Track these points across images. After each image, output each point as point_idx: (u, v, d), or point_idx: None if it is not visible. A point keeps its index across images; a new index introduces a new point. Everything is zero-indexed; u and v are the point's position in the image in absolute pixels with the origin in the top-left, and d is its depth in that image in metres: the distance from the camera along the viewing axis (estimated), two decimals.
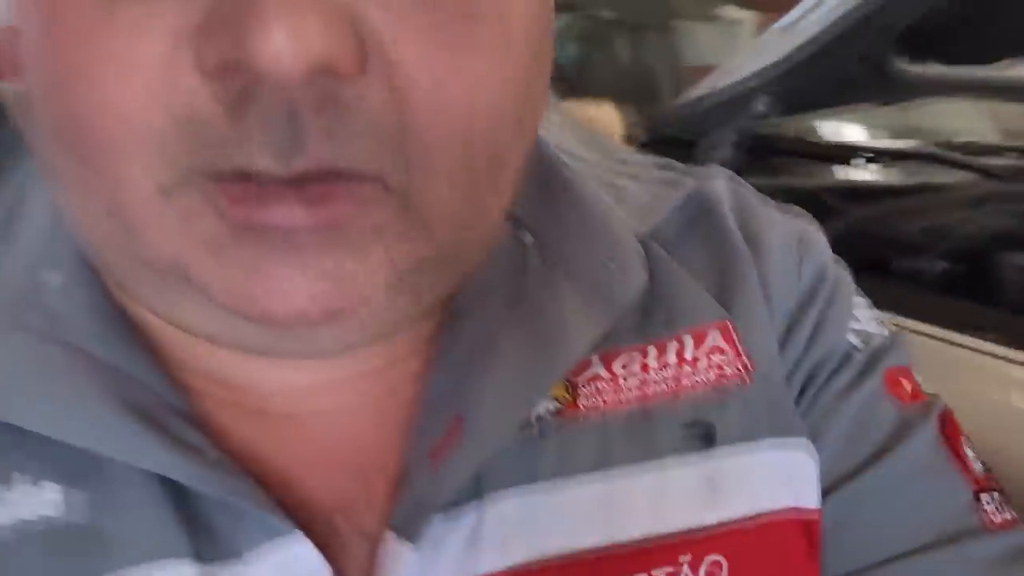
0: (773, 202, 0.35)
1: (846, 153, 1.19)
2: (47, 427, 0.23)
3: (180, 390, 0.26)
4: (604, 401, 0.28)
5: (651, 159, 0.36)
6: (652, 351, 0.29)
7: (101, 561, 0.23)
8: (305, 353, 0.25)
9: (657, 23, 1.71)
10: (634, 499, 0.27)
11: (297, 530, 0.24)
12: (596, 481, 0.27)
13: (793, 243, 0.33)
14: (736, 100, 1.19)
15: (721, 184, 0.34)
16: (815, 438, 0.30)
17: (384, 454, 0.27)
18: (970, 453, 0.32)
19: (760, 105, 1.16)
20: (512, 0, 0.22)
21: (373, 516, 0.26)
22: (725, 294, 0.31)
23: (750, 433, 0.29)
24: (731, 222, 0.32)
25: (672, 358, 0.29)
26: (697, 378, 0.29)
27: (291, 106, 0.19)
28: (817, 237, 0.34)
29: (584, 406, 0.28)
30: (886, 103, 1.17)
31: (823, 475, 0.30)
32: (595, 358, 0.28)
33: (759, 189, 0.37)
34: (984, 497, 0.30)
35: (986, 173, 1.00)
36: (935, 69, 1.08)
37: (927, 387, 0.33)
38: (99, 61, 0.20)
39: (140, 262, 0.22)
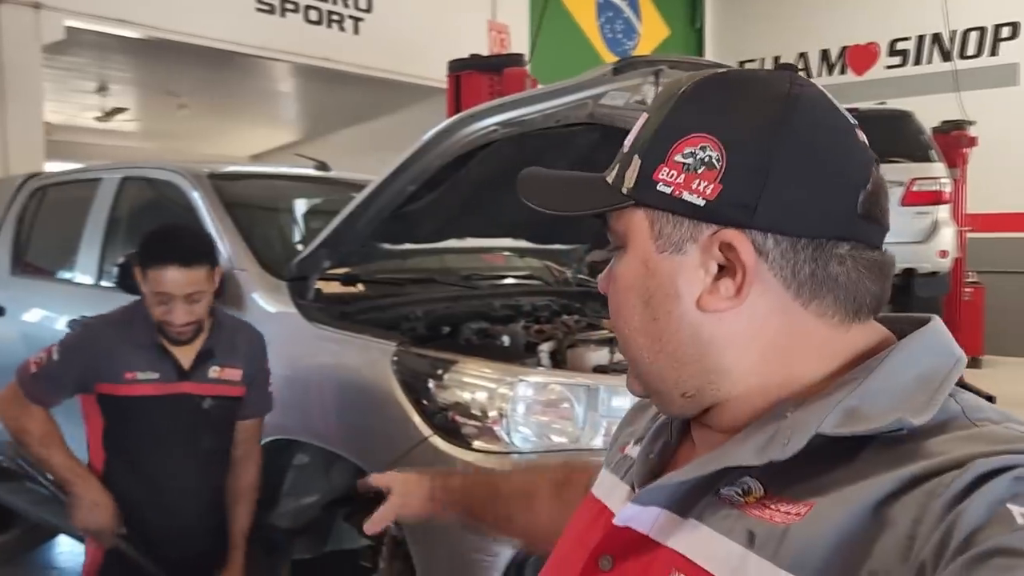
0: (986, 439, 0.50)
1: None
2: None
3: None
4: (731, 503, 0.54)
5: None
6: (775, 504, 0.52)
7: None
8: None
9: None
10: (706, 540, 0.54)
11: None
12: (698, 525, 0.55)
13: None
14: (313, 254, 2.20)
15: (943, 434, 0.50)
16: None
17: None
18: None
19: (324, 256, 2.21)
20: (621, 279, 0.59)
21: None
22: (832, 488, 0.50)
23: (773, 555, 0.50)
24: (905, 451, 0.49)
25: (773, 507, 0.52)
26: (769, 515, 0.52)
27: None
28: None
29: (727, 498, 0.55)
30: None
31: None
32: (756, 482, 0.54)
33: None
34: None
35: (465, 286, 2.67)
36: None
37: None
38: None
39: None
